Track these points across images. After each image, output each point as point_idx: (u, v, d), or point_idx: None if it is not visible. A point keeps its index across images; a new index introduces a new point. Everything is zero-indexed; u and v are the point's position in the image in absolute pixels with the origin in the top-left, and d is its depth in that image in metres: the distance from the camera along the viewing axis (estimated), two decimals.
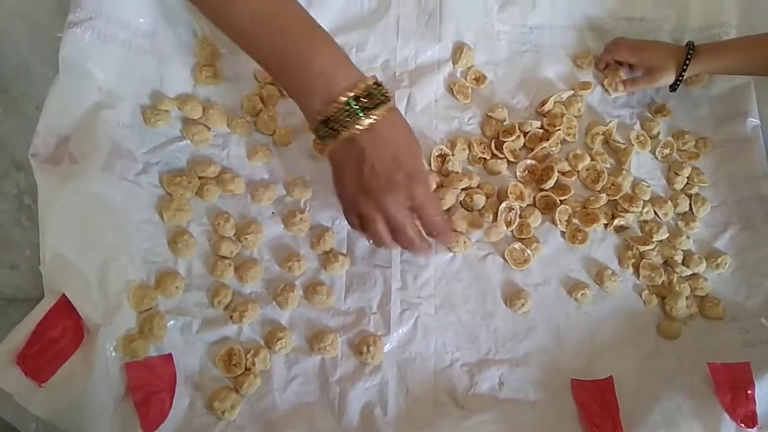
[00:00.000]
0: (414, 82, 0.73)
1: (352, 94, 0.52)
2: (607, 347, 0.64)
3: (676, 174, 0.73)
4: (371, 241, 0.59)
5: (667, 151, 0.75)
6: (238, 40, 0.57)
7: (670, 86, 0.75)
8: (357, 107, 0.52)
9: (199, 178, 0.65)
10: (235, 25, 0.56)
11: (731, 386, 0.58)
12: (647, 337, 0.65)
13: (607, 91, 0.77)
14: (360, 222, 0.57)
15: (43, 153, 0.58)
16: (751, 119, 0.75)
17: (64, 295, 0.53)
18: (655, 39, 0.79)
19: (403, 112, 0.71)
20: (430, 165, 0.70)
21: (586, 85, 0.76)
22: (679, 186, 0.73)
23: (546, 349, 0.63)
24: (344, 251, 0.65)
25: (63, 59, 0.60)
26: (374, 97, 0.53)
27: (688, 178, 0.74)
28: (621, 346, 0.64)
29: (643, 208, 0.70)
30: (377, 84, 0.54)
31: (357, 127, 0.52)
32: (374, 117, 0.52)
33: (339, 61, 0.54)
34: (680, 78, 0.73)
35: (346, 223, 0.60)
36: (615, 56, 0.77)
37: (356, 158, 0.54)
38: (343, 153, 0.54)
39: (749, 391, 0.57)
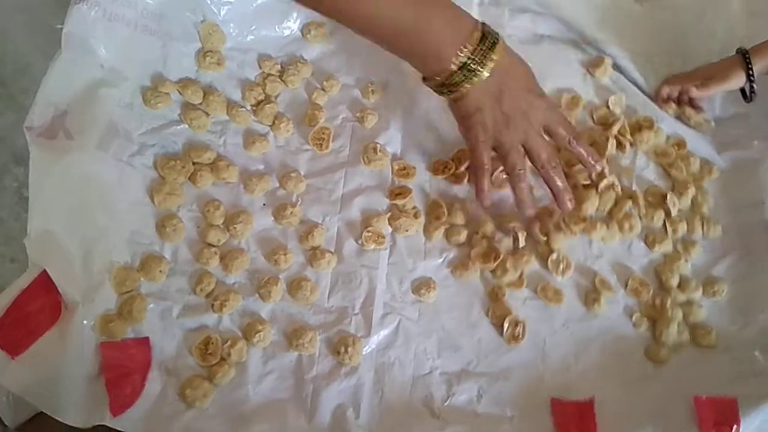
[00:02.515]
0: (419, 81, 0.71)
1: (466, 55, 0.57)
2: (592, 368, 0.62)
3: (681, 194, 0.71)
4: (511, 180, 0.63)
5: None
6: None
7: (745, 93, 0.73)
8: (475, 62, 0.57)
9: (194, 163, 0.65)
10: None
11: (716, 422, 0.56)
12: (634, 360, 0.63)
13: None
14: (490, 162, 0.62)
15: (38, 126, 0.58)
16: (756, 142, 0.73)
17: (45, 270, 0.53)
18: None
19: (404, 112, 0.71)
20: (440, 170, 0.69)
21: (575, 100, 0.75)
22: (683, 207, 0.71)
23: (528, 365, 0.62)
24: (332, 249, 0.64)
25: (66, 35, 0.61)
26: (485, 42, 0.58)
27: (692, 199, 0.72)
28: (606, 368, 0.62)
29: (654, 213, 0.69)
30: (483, 31, 0.59)
31: (481, 76, 0.58)
32: (494, 60, 0.58)
33: (447, 23, 0.58)
34: (752, 78, 0.71)
35: (478, 162, 0.62)
36: (673, 85, 0.75)
37: (492, 96, 0.59)
38: (477, 95, 0.59)
39: (734, 427, 0.55)
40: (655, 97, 0.77)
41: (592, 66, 0.77)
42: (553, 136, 0.63)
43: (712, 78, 0.73)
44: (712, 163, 0.74)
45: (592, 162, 0.65)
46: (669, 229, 0.69)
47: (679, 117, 0.76)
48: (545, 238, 0.67)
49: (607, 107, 0.75)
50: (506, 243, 0.66)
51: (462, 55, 0.57)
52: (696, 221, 0.70)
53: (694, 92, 0.74)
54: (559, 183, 0.63)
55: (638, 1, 0.79)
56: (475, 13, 0.76)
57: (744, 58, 0.71)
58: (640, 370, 0.62)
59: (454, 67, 0.57)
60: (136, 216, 0.62)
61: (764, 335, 0.63)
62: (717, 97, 0.77)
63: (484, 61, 0.57)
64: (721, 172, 0.73)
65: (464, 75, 0.58)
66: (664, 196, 0.70)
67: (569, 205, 0.64)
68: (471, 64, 0.57)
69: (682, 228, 0.69)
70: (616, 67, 0.78)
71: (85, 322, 0.55)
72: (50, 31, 0.60)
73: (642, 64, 0.78)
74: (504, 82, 0.59)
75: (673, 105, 0.76)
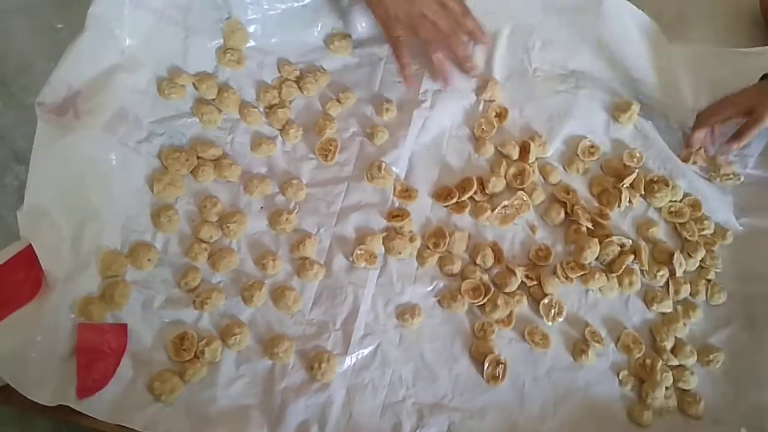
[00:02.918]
0: (434, 104, 0.71)
1: None
2: (569, 420, 0.60)
3: (690, 255, 0.69)
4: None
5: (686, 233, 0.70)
6: None
7: None
8: None
9: (198, 157, 0.65)
10: None
11: None
12: (615, 419, 0.61)
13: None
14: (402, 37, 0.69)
15: (49, 103, 0.59)
16: None
17: (30, 244, 0.54)
18: None
19: (416, 135, 0.70)
20: (443, 197, 0.68)
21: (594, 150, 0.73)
22: (690, 268, 0.69)
23: (504, 407, 0.60)
24: (321, 261, 0.64)
25: (91, 17, 0.61)
26: None
27: (701, 261, 0.69)
28: (584, 423, 0.60)
29: (658, 271, 0.67)
30: None
31: None
32: None
33: None
34: None
35: (391, 40, 0.70)
36: (705, 126, 0.72)
37: None
38: None
39: None
40: (689, 143, 0.73)
41: (618, 110, 0.74)
42: (445, 9, 0.68)
43: (753, 111, 0.68)
44: (726, 228, 0.71)
45: (479, 36, 0.71)
46: (671, 289, 0.67)
47: (709, 166, 0.73)
48: (537, 283, 0.65)
49: (623, 158, 0.73)
50: (500, 278, 0.65)
51: None
52: (701, 285, 0.68)
53: (736, 145, 0.70)
54: (462, 50, 0.71)
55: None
56: (504, 43, 0.75)
57: None
58: (620, 430, 0.60)
59: None
60: (132, 202, 0.62)
61: (754, 414, 0.61)
62: (752, 154, 0.73)
63: None
64: (735, 237, 0.70)
65: None
66: (671, 255, 0.68)
67: (472, 71, 0.72)
68: None
69: (685, 290, 0.67)
70: (645, 111, 0.75)
71: (64, 300, 0.55)
72: (51, 31, 0.61)
73: (670, 105, 0.75)
74: None
75: (703, 154, 0.73)
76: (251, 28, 0.71)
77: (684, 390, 0.63)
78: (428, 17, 0.68)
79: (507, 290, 0.64)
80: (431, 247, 0.65)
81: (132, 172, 0.63)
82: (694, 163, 0.73)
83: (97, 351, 0.55)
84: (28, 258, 0.54)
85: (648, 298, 0.66)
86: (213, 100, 0.68)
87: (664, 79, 0.74)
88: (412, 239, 0.65)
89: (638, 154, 0.72)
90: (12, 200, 0.61)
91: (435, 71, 0.71)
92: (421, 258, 0.65)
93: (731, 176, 0.73)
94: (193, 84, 0.68)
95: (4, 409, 0.58)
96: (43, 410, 0.53)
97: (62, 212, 0.57)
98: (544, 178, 0.71)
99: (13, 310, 0.53)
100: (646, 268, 0.67)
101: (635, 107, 0.74)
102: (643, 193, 0.71)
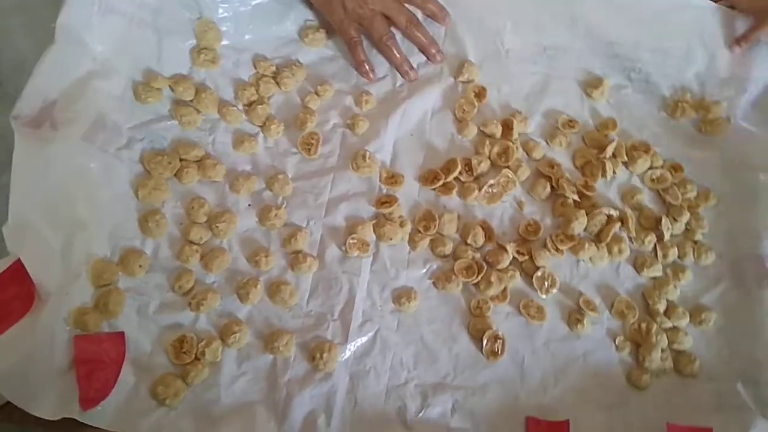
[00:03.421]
0: (412, 93, 0.72)
1: None
2: (570, 389, 0.61)
3: (675, 219, 0.70)
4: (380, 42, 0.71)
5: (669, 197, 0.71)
6: None
7: None
8: None
9: (181, 160, 0.65)
10: None
11: None
12: (615, 384, 0.62)
13: None
14: (358, 35, 0.71)
15: (25, 115, 0.58)
16: (763, 174, 0.71)
17: (19, 259, 0.53)
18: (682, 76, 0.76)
19: (397, 122, 0.70)
20: (429, 180, 0.68)
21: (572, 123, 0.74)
22: (677, 232, 0.70)
23: (506, 382, 0.61)
24: (314, 254, 0.64)
25: (60, 25, 0.60)
26: None
27: (686, 224, 0.70)
28: (585, 391, 0.61)
29: (646, 237, 0.68)
30: None
31: None
32: None
33: None
34: None
35: (351, 40, 0.71)
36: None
37: None
38: None
39: None
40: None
41: (590, 87, 0.75)
42: (407, 1, 0.71)
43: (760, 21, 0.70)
44: (711, 189, 0.72)
45: (441, 17, 0.73)
46: (660, 253, 0.68)
47: (697, 111, 0.74)
48: (528, 257, 0.66)
49: (602, 129, 0.74)
50: (492, 255, 0.65)
51: None
52: (688, 247, 0.69)
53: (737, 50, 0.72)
54: (423, 38, 0.72)
55: None
56: (475, 27, 0.75)
57: None
58: (620, 394, 0.62)
59: None
60: (119, 209, 0.62)
61: (749, 369, 0.62)
62: (746, 95, 0.74)
63: None
64: (719, 198, 0.71)
65: None
66: (658, 220, 0.69)
67: (438, 57, 0.73)
68: None
69: (673, 253, 0.68)
70: (625, 76, 0.76)
71: (58, 313, 0.55)
72: (48, 31, 0.60)
73: (654, 61, 0.75)
74: None
75: (689, 99, 0.74)
76: (224, 27, 0.71)
77: (679, 351, 0.64)
78: (384, 14, 0.70)
79: (499, 267, 0.65)
80: (422, 230, 0.66)
81: (115, 180, 0.62)
82: (683, 113, 0.74)
83: (96, 361, 0.55)
84: (18, 273, 0.53)
85: (638, 263, 0.68)
86: (191, 101, 0.68)
87: (647, 34, 0.75)
88: (402, 224, 0.65)
89: (615, 123, 0.73)
90: None
91: (397, 69, 0.73)
92: (412, 242, 0.65)
93: (720, 122, 0.73)
94: (170, 86, 0.67)
95: (4, 426, 0.57)
96: (45, 424, 0.52)
97: (48, 225, 0.56)
98: (527, 155, 0.71)
99: (7, 326, 0.52)
100: (634, 234, 0.68)
101: (607, 82, 0.75)
102: (625, 160, 0.72)
